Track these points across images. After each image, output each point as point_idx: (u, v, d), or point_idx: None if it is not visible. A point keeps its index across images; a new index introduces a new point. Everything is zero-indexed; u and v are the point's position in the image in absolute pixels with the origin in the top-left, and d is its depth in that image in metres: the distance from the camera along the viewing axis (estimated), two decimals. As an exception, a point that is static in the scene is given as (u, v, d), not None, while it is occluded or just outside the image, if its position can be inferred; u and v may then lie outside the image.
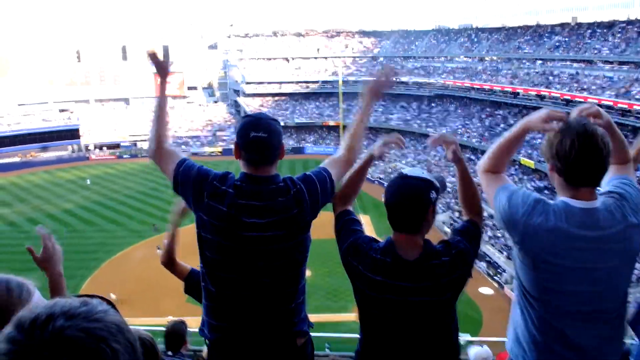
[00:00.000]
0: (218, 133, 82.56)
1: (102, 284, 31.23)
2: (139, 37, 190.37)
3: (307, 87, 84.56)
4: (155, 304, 28.11)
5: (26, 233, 40.72)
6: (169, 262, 3.95)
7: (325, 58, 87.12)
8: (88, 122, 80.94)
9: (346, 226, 2.72)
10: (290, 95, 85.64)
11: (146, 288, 30.55)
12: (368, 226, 34.05)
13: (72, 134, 77.92)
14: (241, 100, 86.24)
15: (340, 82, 72.13)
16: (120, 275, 33.85)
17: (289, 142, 73.81)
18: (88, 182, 60.84)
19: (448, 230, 34.22)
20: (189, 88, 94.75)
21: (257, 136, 2.60)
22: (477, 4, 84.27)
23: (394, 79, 3.17)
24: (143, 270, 32.59)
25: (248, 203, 2.55)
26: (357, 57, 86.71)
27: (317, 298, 28.65)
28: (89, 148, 79.18)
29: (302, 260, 2.71)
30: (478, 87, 66.24)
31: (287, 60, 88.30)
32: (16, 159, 72.49)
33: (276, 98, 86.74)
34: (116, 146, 79.54)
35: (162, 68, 2.79)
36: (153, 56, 2.74)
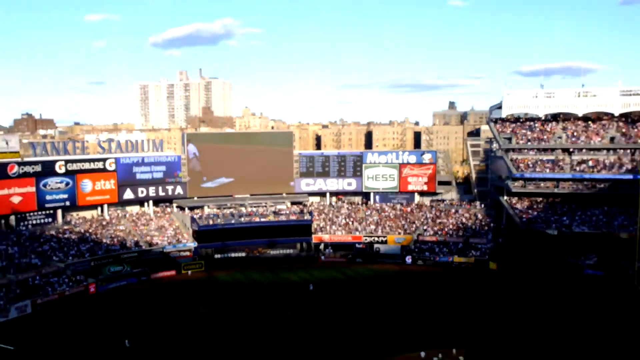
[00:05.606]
0: (471, 240, 76.26)
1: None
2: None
3: (594, 186, 73.59)
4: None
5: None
6: None
7: (622, 149, 75.22)
8: (321, 218, 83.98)
9: None
10: (569, 196, 75.20)
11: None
12: None
13: (303, 230, 78.82)
14: (505, 200, 78.90)
15: (642, 182, 60.35)
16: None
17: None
18: (311, 287, 63.13)
19: None
20: (441, 183, 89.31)
21: None
22: None
23: None
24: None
25: None
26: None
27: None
28: (319, 247, 79.60)
29: None
30: None
31: (569, 151, 77.52)
32: (242, 254, 77.44)
33: (550, 199, 76.88)
34: (349, 247, 78.78)
35: None
36: None
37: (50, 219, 77.28)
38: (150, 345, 47.39)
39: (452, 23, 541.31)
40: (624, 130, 77.67)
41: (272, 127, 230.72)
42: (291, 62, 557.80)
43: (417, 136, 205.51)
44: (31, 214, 75.14)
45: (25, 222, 74.66)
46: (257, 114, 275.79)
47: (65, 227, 77.01)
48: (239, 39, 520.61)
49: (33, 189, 74.61)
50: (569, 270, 61.82)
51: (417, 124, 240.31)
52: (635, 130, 76.87)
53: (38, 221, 75.79)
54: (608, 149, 76.16)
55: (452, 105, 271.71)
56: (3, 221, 73.11)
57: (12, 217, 73.54)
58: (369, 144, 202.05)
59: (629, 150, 74.80)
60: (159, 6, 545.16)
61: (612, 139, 76.88)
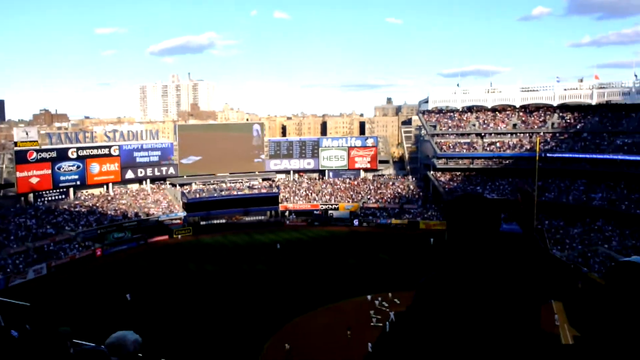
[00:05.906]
0: (405, 206, 76.17)
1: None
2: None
3: (501, 162, 73.65)
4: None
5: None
6: None
7: (522, 134, 74.93)
8: (286, 191, 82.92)
9: None
10: (482, 170, 75.19)
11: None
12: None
13: (272, 200, 78.14)
14: (431, 174, 78.68)
15: (537, 159, 61.11)
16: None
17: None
18: (278, 246, 62.11)
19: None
20: (381, 161, 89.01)
21: None
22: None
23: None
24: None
25: None
26: (558, 132, 72.45)
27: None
28: (285, 214, 78.66)
29: None
30: None
31: (481, 135, 77.49)
32: (222, 221, 75.86)
33: (467, 173, 77.01)
34: (309, 213, 77.50)
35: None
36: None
37: (63, 196, 73.80)
38: (148, 298, 46.04)
39: (389, 36, 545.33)
40: (523, 118, 77.72)
41: (247, 119, 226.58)
42: (261, 67, 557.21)
43: (362, 125, 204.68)
44: (47, 192, 71.61)
45: (42, 199, 71.06)
46: (234, 109, 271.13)
47: (76, 202, 73.71)
48: (220, 49, 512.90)
49: (49, 171, 71.13)
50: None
51: (362, 115, 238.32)
52: (532, 118, 76.92)
53: (53, 198, 72.21)
54: (511, 133, 76.13)
55: (389, 100, 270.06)
56: (23, 198, 69.66)
57: (31, 195, 70.07)
58: (324, 132, 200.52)
59: (527, 134, 74.94)
60: (155, 22, 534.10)
61: (514, 126, 76.90)
